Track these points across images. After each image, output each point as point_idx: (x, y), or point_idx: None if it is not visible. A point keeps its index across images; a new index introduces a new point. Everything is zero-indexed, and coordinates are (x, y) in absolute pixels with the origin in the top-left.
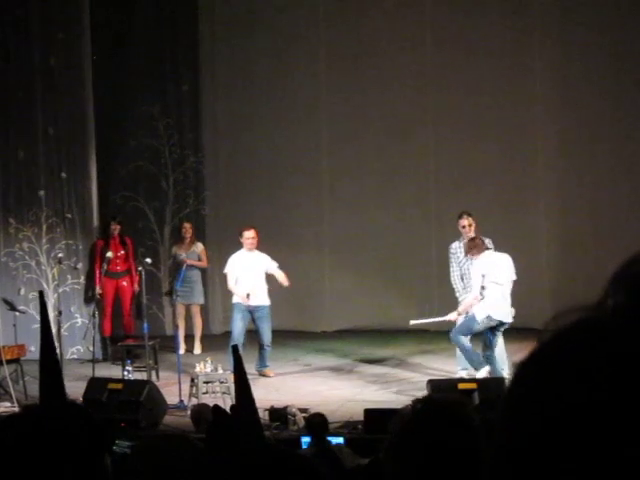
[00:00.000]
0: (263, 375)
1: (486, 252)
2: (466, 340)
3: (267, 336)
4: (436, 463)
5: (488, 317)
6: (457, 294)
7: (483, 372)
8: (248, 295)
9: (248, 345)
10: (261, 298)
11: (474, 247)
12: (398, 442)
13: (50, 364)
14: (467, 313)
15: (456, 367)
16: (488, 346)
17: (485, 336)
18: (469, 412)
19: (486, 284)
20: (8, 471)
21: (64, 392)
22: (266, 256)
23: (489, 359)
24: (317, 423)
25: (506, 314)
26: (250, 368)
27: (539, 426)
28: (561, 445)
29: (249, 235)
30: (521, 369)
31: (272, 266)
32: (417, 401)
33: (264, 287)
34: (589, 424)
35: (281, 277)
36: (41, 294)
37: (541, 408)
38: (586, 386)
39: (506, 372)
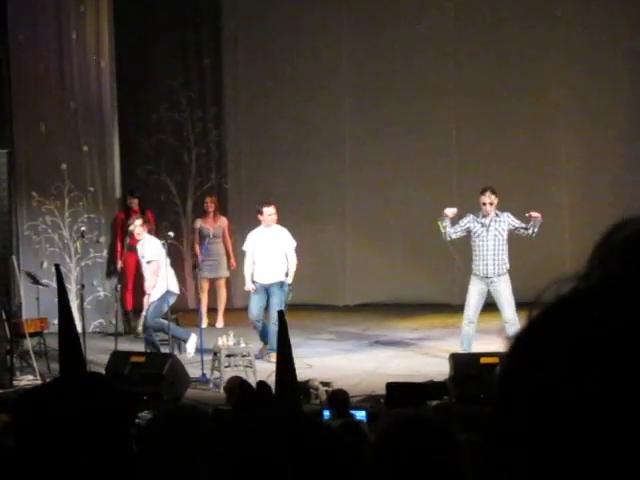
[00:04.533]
0: (267, 357)
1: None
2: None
3: (273, 313)
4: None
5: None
6: None
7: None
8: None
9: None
10: (277, 275)
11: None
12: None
13: (70, 337)
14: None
15: (460, 347)
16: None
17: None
18: (445, 427)
19: None
20: (35, 442)
21: (84, 365)
22: (285, 232)
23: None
24: (340, 399)
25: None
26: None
27: (530, 401)
28: (552, 421)
29: (270, 211)
30: (513, 343)
31: (290, 246)
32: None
33: (282, 264)
34: (579, 399)
35: (290, 264)
36: (57, 268)
37: (530, 385)
38: (575, 361)
39: None
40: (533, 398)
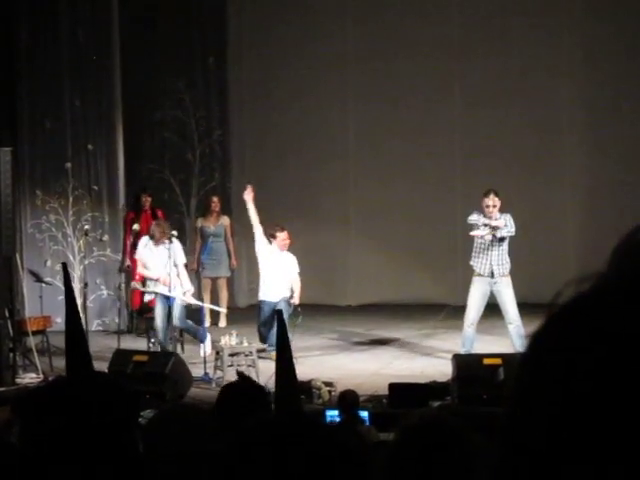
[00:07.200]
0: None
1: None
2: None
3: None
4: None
5: None
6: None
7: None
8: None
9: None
10: (283, 293)
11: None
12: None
13: (76, 335)
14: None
15: (461, 348)
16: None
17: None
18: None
19: None
20: (40, 441)
21: (91, 363)
22: (293, 259)
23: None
24: (350, 401)
25: None
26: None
27: (549, 401)
28: (573, 421)
29: (283, 236)
30: (531, 342)
31: (294, 271)
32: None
33: (287, 287)
34: (600, 397)
35: (296, 288)
36: (64, 266)
37: (550, 384)
38: (592, 360)
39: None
40: (553, 398)
